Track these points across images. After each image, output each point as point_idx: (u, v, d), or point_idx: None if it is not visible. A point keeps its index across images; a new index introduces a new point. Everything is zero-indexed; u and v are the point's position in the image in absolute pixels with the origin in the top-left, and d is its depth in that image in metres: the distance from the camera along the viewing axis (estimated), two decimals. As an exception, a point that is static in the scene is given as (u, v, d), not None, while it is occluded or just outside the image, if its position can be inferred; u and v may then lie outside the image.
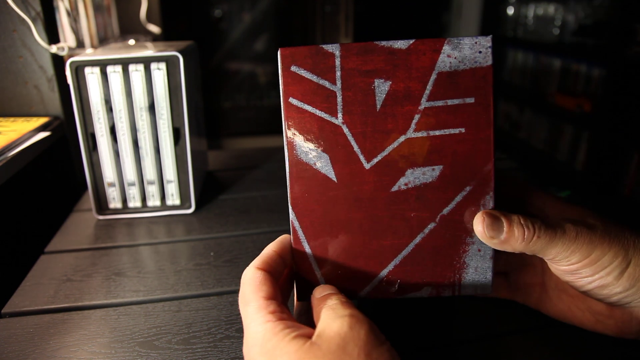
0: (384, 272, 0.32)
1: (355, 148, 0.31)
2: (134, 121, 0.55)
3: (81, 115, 0.54)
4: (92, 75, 0.52)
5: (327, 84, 0.31)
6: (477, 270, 0.32)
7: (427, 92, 0.31)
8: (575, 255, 0.29)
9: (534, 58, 2.24)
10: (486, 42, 0.30)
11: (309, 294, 0.32)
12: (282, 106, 0.31)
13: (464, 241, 0.32)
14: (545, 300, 0.36)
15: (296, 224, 0.32)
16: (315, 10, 2.34)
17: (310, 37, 2.43)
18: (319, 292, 0.31)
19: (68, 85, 0.53)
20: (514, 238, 0.30)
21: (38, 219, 0.66)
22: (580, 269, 0.30)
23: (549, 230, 0.29)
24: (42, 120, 0.65)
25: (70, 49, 0.67)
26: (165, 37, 1.67)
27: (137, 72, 0.52)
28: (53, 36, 0.67)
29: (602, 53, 1.76)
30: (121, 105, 0.53)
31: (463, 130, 0.31)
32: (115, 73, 0.52)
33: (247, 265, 0.31)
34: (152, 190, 0.58)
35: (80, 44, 1.09)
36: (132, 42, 0.98)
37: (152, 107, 0.55)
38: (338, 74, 0.31)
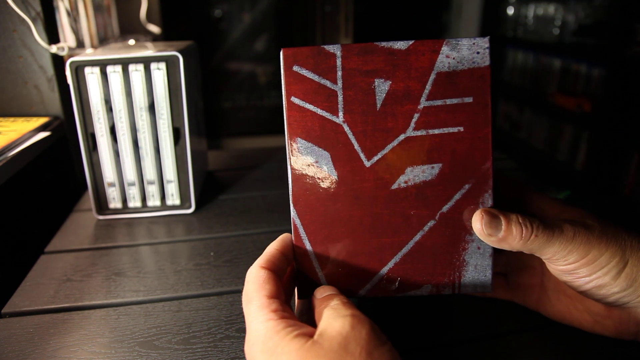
0: (384, 270, 0.33)
1: (356, 146, 0.32)
2: (134, 121, 0.55)
3: (81, 115, 0.54)
4: (92, 75, 0.52)
5: (328, 83, 0.31)
6: (476, 268, 0.32)
7: (426, 91, 0.31)
8: (572, 255, 0.30)
9: (534, 58, 2.24)
10: (484, 43, 0.31)
11: (310, 292, 0.32)
12: (284, 105, 0.32)
13: (463, 239, 0.32)
14: (544, 301, 0.36)
15: (297, 222, 0.32)
16: (315, 10, 2.35)
17: (310, 37, 2.43)
18: (321, 292, 0.31)
19: (68, 85, 0.53)
20: (512, 236, 0.30)
21: (38, 219, 0.66)
22: (578, 269, 0.30)
23: (547, 229, 0.30)
24: (42, 120, 0.65)
25: (70, 49, 0.67)
26: (165, 37, 1.67)
27: (137, 72, 0.52)
28: (53, 36, 0.67)
29: (602, 53, 1.76)
30: (121, 105, 0.53)
31: (462, 129, 0.31)
32: (115, 73, 0.52)
33: (247, 265, 0.31)
34: (152, 190, 0.58)
35: (80, 44, 1.09)
36: (132, 42, 0.98)
37: (152, 107, 0.55)
38: (339, 73, 0.31)
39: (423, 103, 0.31)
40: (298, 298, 0.34)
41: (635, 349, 0.34)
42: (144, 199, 0.59)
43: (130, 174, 0.57)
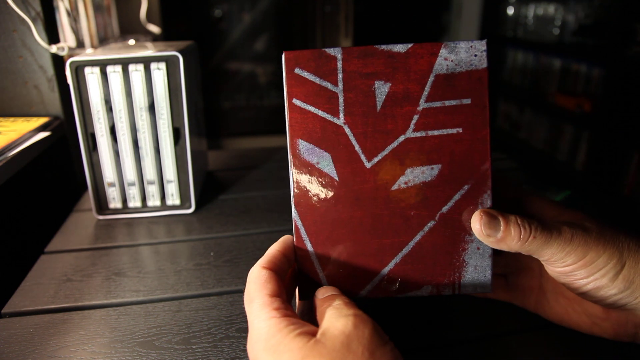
0: (385, 271, 0.33)
1: (357, 148, 0.32)
2: (134, 121, 0.55)
3: (81, 115, 0.54)
4: (92, 75, 0.52)
5: (329, 85, 0.32)
6: (476, 269, 0.33)
7: (425, 93, 0.32)
8: (570, 257, 0.30)
9: (534, 58, 2.24)
10: (481, 46, 0.31)
11: (311, 292, 0.33)
12: (285, 107, 0.32)
13: (463, 239, 0.32)
14: (543, 303, 0.36)
15: (299, 223, 0.33)
16: (315, 11, 2.35)
17: (310, 38, 2.43)
18: (322, 292, 0.31)
19: (68, 85, 0.53)
20: (510, 237, 0.30)
21: (38, 219, 0.66)
22: (575, 271, 0.30)
23: (545, 231, 0.30)
24: (42, 120, 0.65)
25: (70, 49, 0.67)
26: (165, 37, 1.67)
27: (137, 72, 0.52)
28: (53, 36, 0.67)
29: (602, 53, 1.76)
30: (121, 105, 0.53)
31: (460, 130, 0.32)
32: (115, 73, 0.52)
33: (247, 265, 0.31)
34: (152, 190, 0.58)
35: (80, 44, 1.09)
36: (132, 42, 0.98)
37: (152, 107, 0.55)
38: (340, 76, 0.32)
39: (422, 105, 0.32)
40: (299, 299, 0.34)
41: (634, 350, 0.34)
42: (144, 199, 0.59)
43: (130, 174, 0.57)
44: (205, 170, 0.72)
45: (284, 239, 0.33)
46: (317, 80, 0.32)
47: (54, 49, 0.65)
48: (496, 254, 0.33)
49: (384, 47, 0.32)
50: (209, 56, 2.40)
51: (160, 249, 0.52)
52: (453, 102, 0.32)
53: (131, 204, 0.59)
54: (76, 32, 1.05)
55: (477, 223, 0.31)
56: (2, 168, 0.50)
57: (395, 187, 0.32)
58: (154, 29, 1.38)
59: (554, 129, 2.10)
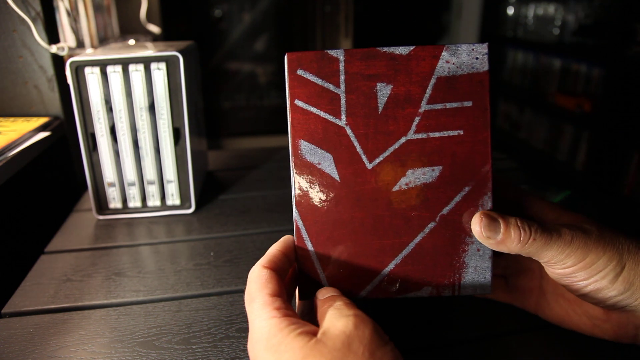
0: (385, 271, 0.33)
1: (358, 149, 0.32)
2: (134, 121, 0.55)
3: (81, 115, 0.54)
4: (92, 75, 0.52)
5: (331, 87, 0.32)
6: (476, 270, 0.33)
7: (426, 95, 0.32)
8: (570, 259, 0.30)
9: (534, 58, 2.24)
10: (482, 49, 0.32)
11: (311, 292, 0.33)
12: (287, 108, 0.32)
13: (463, 241, 0.32)
14: (543, 304, 0.36)
15: (300, 223, 0.33)
16: (315, 11, 2.35)
17: (311, 38, 2.43)
18: (323, 293, 0.31)
19: (68, 85, 0.53)
20: (510, 239, 0.30)
21: (38, 219, 0.66)
22: (575, 273, 0.30)
23: (545, 233, 0.30)
24: (42, 120, 0.65)
25: (70, 49, 0.67)
26: (165, 37, 1.67)
27: (137, 72, 0.52)
28: (53, 36, 0.67)
29: (602, 53, 1.76)
30: (121, 105, 0.53)
31: (461, 132, 0.32)
32: (115, 73, 0.52)
33: (248, 265, 0.31)
34: (152, 190, 0.58)
35: (80, 44, 1.09)
36: (132, 42, 0.98)
37: (152, 107, 0.55)
38: (342, 77, 0.32)
39: (424, 107, 0.32)
40: (299, 299, 0.34)
41: (634, 351, 0.34)
42: (144, 199, 0.59)
43: (130, 174, 0.57)
44: (205, 170, 0.72)
45: (285, 239, 0.33)
46: (319, 81, 0.32)
47: (54, 49, 0.65)
48: (496, 255, 0.33)
49: (386, 49, 0.32)
50: (209, 56, 2.40)
51: (160, 249, 0.52)
52: (454, 105, 0.32)
53: (131, 204, 0.59)
54: (76, 32, 1.05)
55: (477, 225, 0.31)
56: (2, 168, 0.50)
57: (396, 188, 0.32)
58: (154, 29, 1.38)
59: (554, 129, 2.10)
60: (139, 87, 0.53)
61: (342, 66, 0.32)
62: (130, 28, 1.46)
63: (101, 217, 0.59)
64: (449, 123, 0.32)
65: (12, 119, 0.66)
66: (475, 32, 2.46)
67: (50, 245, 0.53)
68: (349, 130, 0.32)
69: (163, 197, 0.60)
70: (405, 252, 0.33)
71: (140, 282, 0.45)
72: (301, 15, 2.43)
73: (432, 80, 0.32)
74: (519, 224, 0.30)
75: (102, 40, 1.22)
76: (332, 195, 0.32)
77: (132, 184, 0.58)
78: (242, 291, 0.42)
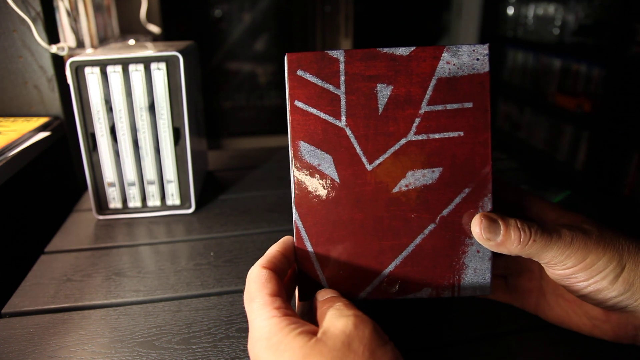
0: (385, 273, 0.33)
1: (358, 150, 0.32)
2: (134, 121, 0.55)
3: (81, 115, 0.54)
4: (92, 75, 0.52)
5: (331, 88, 0.32)
6: (476, 272, 0.33)
7: (427, 96, 0.32)
8: (570, 260, 0.30)
9: (534, 58, 2.24)
10: (483, 50, 0.32)
11: (311, 293, 0.33)
12: (287, 109, 0.32)
13: (463, 242, 0.32)
14: (543, 305, 0.36)
15: (299, 224, 0.33)
16: (315, 11, 2.34)
17: (310, 38, 2.43)
18: (322, 295, 0.31)
19: (68, 85, 0.53)
20: (510, 241, 0.30)
21: (38, 219, 0.66)
22: (576, 274, 0.30)
23: (545, 234, 0.30)
24: (42, 120, 0.65)
25: (70, 49, 0.67)
26: (165, 37, 1.67)
27: (137, 72, 0.52)
28: (53, 36, 0.67)
29: (602, 53, 1.76)
30: (121, 105, 0.53)
31: (462, 133, 0.32)
32: (115, 73, 0.52)
33: (247, 265, 0.31)
34: (152, 190, 0.58)
35: (80, 44, 1.09)
36: (132, 42, 0.98)
37: (152, 107, 0.55)
38: (342, 78, 0.32)
39: (424, 108, 0.32)
40: (299, 299, 0.34)
41: (634, 352, 0.34)
42: (144, 199, 0.59)
43: (130, 174, 0.57)
44: (205, 170, 0.72)
45: (284, 239, 0.33)
46: (319, 82, 0.32)
47: (54, 49, 0.65)
48: (496, 256, 0.33)
49: (386, 50, 0.32)
50: (209, 56, 2.40)
51: (160, 249, 0.52)
52: (455, 106, 0.32)
53: (131, 204, 0.59)
54: (76, 32, 1.05)
55: (477, 227, 0.31)
56: (2, 168, 0.50)
57: (396, 189, 0.32)
58: (154, 29, 1.38)
59: (554, 129, 2.10)
60: (139, 87, 0.53)
61: (342, 67, 0.32)
62: (130, 28, 1.46)
63: (101, 217, 0.59)
64: (449, 124, 0.32)
65: (12, 119, 0.66)
66: (475, 32, 2.46)
67: (50, 245, 0.53)
68: (349, 132, 0.32)
69: (163, 197, 0.60)
70: (405, 253, 0.32)
71: (140, 282, 0.45)
72: (301, 15, 2.43)
73: (433, 82, 0.32)
74: (519, 226, 0.30)
75: (102, 40, 1.22)
76: (331, 196, 0.32)
77: (132, 184, 0.58)
78: (242, 291, 0.42)
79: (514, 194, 0.36)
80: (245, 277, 0.31)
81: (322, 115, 0.32)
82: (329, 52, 0.32)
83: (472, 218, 0.32)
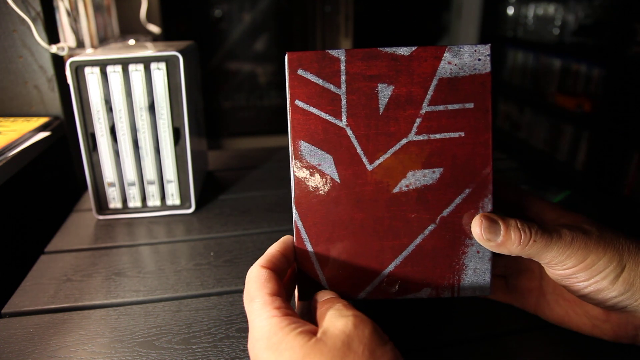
0: (385, 273, 0.33)
1: (358, 150, 0.32)
2: (134, 121, 0.55)
3: (81, 115, 0.54)
4: (92, 75, 0.52)
5: (332, 87, 0.32)
6: (475, 272, 0.33)
7: (428, 97, 0.32)
8: (570, 260, 0.30)
9: (534, 58, 2.24)
10: (485, 50, 0.32)
11: (311, 293, 0.33)
12: (288, 108, 0.32)
13: (463, 243, 0.32)
14: (543, 304, 0.36)
15: (299, 224, 0.33)
16: (315, 11, 2.34)
17: (311, 38, 2.43)
18: (322, 295, 0.31)
19: (68, 85, 0.53)
20: (511, 241, 0.30)
21: (38, 219, 0.66)
22: (576, 274, 0.30)
23: (545, 234, 0.30)
24: (42, 120, 0.65)
25: (70, 49, 0.67)
26: (165, 37, 1.67)
27: (137, 72, 0.52)
28: (53, 36, 0.67)
29: (602, 53, 1.76)
30: (121, 105, 0.53)
31: (463, 134, 0.32)
32: (115, 73, 0.52)
33: (247, 265, 0.31)
34: (152, 190, 0.58)
35: (80, 44, 1.09)
36: (132, 42, 0.98)
37: (152, 107, 0.55)
38: (343, 78, 0.32)
39: (425, 108, 0.32)
40: (299, 299, 0.34)
41: (634, 352, 0.34)
42: (144, 199, 0.59)
43: (130, 174, 0.57)
44: (205, 170, 0.72)
45: (284, 239, 0.33)
46: (320, 81, 0.32)
47: (54, 49, 0.65)
48: (496, 255, 0.33)
49: (387, 49, 0.32)
50: (209, 56, 2.40)
51: (160, 249, 0.52)
52: (456, 106, 0.31)
53: (131, 204, 0.59)
54: (76, 32, 1.05)
55: (477, 227, 0.31)
56: (2, 168, 0.50)
57: (396, 189, 0.32)
58: (154, 29, 1.38)
59: (554, 129, 2.10)
60: (139, 87, 0.53)
61: (343, 66, 0.32)
62: (130, 28, 1.46)
63: (101, 217, 0.59)
64: (450, 125, 0.32)
65: (12, 119, 0.66)
66: (475, 32, 2.46)
67: (50, 245, 0.53)
68: (349, 131, 0.32)
69: (163, 197, 0.60)
70: (405, 253, 0.32)
71: (140, 282, 0.45)
72: (301, 15, 2.43)
73: (434, 82, 0.31)
74: (519, 226, 0.30)
75: (102, 40, 1.22)
76: (332, 196, 0.32)
77: (132, 184, 0.58)
78: (242, 291, 0.42)
79: (514, 194, 0.36)
80: (245, 277, 0.31)
81: (323, 114, 0.32)
82: (329, 51, 0.32)
83: (473, 218, 0.32)
